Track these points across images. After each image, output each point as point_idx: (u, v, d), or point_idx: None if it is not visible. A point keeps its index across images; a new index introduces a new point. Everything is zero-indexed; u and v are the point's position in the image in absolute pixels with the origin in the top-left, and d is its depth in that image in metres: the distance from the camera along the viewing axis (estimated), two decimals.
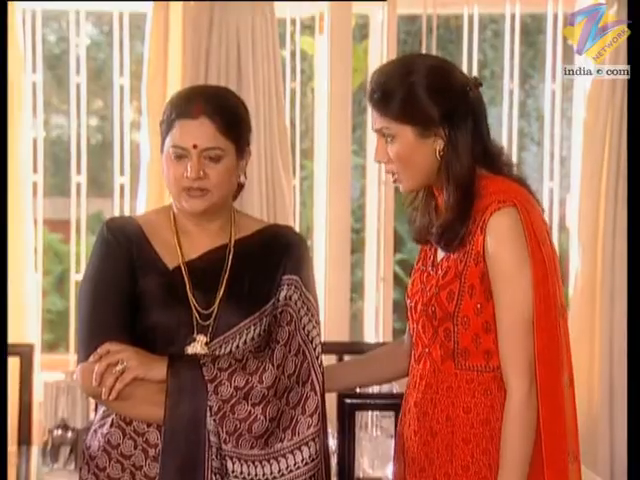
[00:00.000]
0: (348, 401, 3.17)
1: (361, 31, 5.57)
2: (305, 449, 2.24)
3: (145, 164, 4.43)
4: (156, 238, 2.35)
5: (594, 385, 4.55)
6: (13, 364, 3.80)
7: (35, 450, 3.67)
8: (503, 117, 4.81)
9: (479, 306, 2.25)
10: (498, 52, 5.87)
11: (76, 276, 4.62)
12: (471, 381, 2.27)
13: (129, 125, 4.74)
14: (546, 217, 2.15)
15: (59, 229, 6.46)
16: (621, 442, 4.45)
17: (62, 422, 3.55)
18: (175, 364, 2.22)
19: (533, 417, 2.20)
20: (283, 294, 2.32)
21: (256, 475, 2.22)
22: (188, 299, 2.30)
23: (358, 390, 3.30)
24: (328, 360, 3.85)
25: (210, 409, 2.20)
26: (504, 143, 4.77)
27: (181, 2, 4.41)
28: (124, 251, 2.32)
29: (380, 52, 4.68)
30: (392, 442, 2.87)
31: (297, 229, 4.33)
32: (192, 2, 4.41)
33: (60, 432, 3.52)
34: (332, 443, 3.24)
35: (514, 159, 4.73)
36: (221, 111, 2.29)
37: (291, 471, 2.23)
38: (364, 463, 3.45)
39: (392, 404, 3.15)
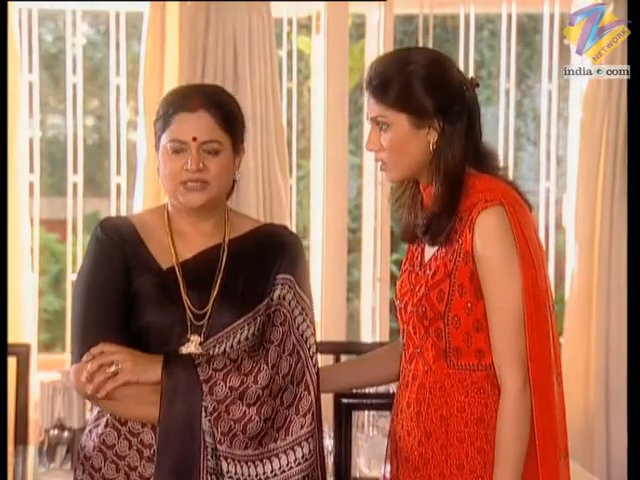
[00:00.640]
0: (344, 401, 3.16)
1: (357, 31, 5.57)
2: (298, 449, 2.24)
3: (142, 164, 4.43)
4: (150, 238, 2.35)
5: (590, 384, 4.55)
6: (9, 364, 3.79)
7: (31, 450, 3.66)
8: (500, 117, 4.82)
9: (470, 305, 2.25)
10: (494, 52, 5.88)
11: (72, 276, 4.61)
12: (464, 380, 2.27)
13: (126, 125, 4.74)
14: (542, 217, 2.15)
15: (56, 229, 6.44)
16: (617, 442, 4.45)
17: (58, 422, 3.54)
18: (170, 364, 2.21)
19: (527, 415, 2.20)
20: (277, 293, 2.32)
21: (249, 475, 2.22)
22: (182, 299, 2.29)
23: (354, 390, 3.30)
24: (325, 360, 3.86)
25: (205, 409, 2.20)
26: (500, 143, 4.78)
27: (177, 2, 4.40)
28: (118, 251, 2.31)
29: (377, 52, 4.66)
30: None
31: (294, 229, 4.33)
32: (189, 2, 4.41)
33: (56, 432, 3.51)
34: (328, 443, 3.24)
35: (510, 159, 4.78)
36: (219, 105, 2.31)
37: (284, 471, 2.23)
38: (360, 463, 3.44)
39: (388, 404, 3.13)
